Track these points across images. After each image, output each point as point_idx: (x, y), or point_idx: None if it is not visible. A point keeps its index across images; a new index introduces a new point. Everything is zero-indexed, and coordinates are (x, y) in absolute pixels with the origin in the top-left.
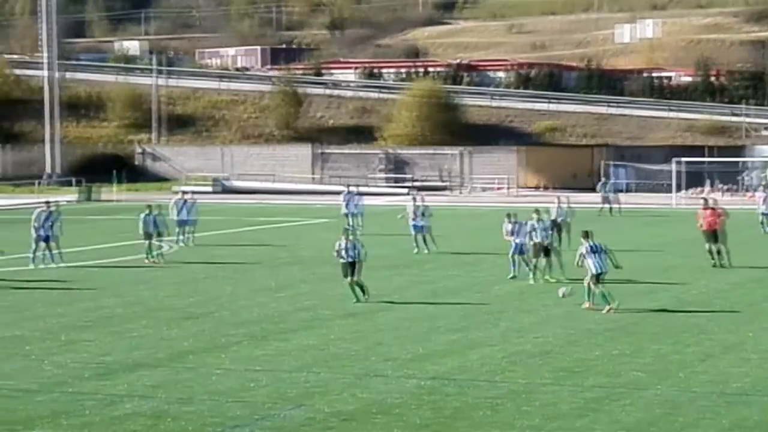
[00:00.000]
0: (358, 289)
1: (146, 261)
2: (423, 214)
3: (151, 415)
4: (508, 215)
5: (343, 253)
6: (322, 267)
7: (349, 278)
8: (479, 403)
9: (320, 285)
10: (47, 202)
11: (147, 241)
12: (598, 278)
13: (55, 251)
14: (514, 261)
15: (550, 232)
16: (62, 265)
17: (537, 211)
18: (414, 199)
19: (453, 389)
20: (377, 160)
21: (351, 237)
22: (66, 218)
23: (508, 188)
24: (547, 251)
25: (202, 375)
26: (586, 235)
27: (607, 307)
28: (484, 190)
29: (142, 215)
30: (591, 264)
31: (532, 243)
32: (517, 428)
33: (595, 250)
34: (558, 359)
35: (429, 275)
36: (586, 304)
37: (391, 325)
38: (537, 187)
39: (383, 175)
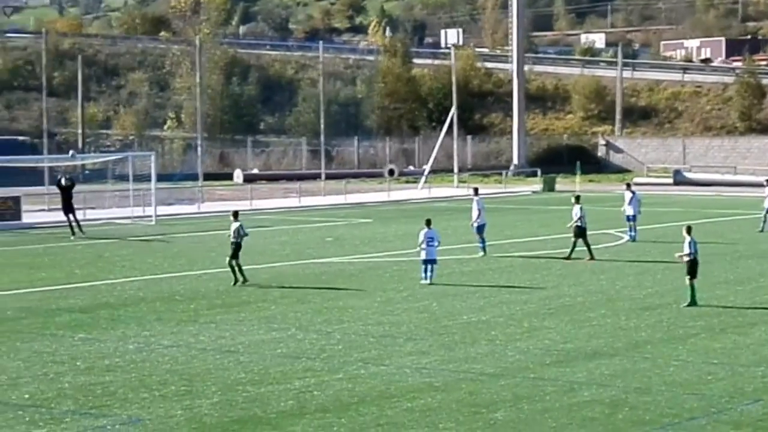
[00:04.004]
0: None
1: (569, 259)
2: None
3: (609, 403)
4: None
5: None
6: None
7: (689, 277)
8: None
9: None
10: (476, 189)
11: (575, 238)
12: None
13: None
14: None
15: None
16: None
17: None
18: None
19: None
20: None
21: (692, 234)
22: (528, 208)
23: None
24: None
25: (659, 365)
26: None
27: None
28: None
29: (577, 207)
30: None
31: None
32: None
33: None
34: None
35: None
36: None
37: None
38: None
39: None
